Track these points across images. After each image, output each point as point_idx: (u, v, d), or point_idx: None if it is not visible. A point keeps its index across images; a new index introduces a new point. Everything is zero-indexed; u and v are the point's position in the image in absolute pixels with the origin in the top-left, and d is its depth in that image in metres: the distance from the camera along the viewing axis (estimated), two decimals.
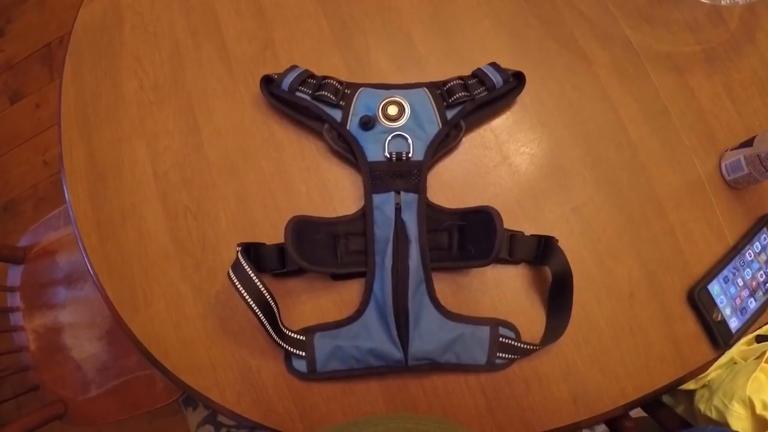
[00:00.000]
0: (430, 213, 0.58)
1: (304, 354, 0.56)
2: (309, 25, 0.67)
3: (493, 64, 0.61)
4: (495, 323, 0.57)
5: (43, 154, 1.57)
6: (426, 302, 0.56)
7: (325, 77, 0.61)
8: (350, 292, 0.59)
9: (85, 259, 0.63)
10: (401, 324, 0.54)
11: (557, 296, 0.57)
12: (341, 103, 0.60)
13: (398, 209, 0.58)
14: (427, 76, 0.64)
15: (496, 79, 0.60)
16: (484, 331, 0.56)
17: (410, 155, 0.59)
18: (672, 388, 0.58)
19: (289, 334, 0.56)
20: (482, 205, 0.56)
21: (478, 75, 0.61)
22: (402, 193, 0.58)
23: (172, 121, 0.65)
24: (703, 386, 0.60)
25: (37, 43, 1.65)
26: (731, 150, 0.62)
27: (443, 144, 0.60)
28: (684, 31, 0.67)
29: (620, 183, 0.61)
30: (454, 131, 0.61)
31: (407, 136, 0.59)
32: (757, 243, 0.61)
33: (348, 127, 0.60)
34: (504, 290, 0.59)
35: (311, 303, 0.59)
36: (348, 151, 0.60)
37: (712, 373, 0.59)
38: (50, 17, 1.68)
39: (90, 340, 0.98)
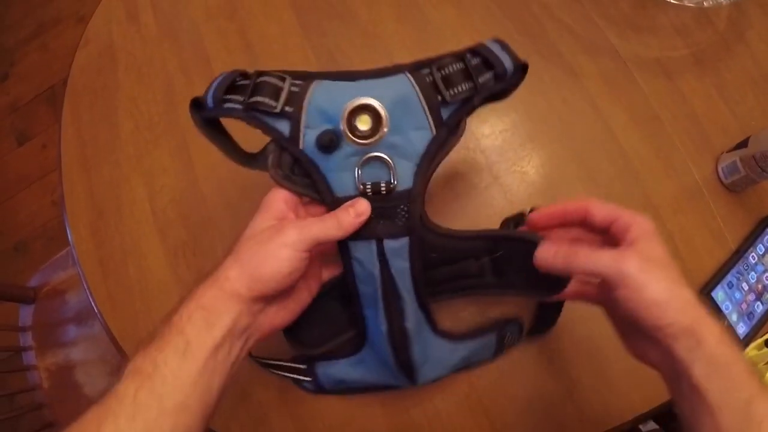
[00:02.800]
0: (443, 243, 0.44)
1: (310, 379, 0.52)
2: (296, 58, 0.68)
3: (500, 41, 0.41)
4: (501, 325, 0.53)
5: (51, 194, 1.60)
6: (430, 338, 0.47)
7: (261, 73, 0.40)
8: None
9: (89, 297, 0.64)
10: (404, 366, 0.47)
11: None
12: (287, 108, 0.39)
13: (383, 261, 0.43)
14: None
15: (507, 62, 0.40)
16: (491, 338, 0.53)
17: (393, 184, 0.40)
18: None
19: (285, 364, 0.51)
20: (516, 232, 0.45)
21: (482, 53, 0.40)
22: (386, 241, 0.42)
23: (168, 159, 0.66)
24: None
25: (41, 84, 1.70)
26: (727, 152, 0.61)
27: (438, 156, 0.42)
28: (671, 36, 0.67)
29: (615, 194, 0.61)
30: (450, 134, 0.42)
31: (387, 157, 0.40)
32: (761, 245, 0.60)
33: (301, 146, 0.40)
34: None
35: None
36: (306, 183, 0.42)
37: None
38: (52, 59, 1.72)
39: (102, 376, 0.99)
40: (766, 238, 0.60)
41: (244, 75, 0.41)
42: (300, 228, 0.39)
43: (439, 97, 0.40)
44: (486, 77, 0.40)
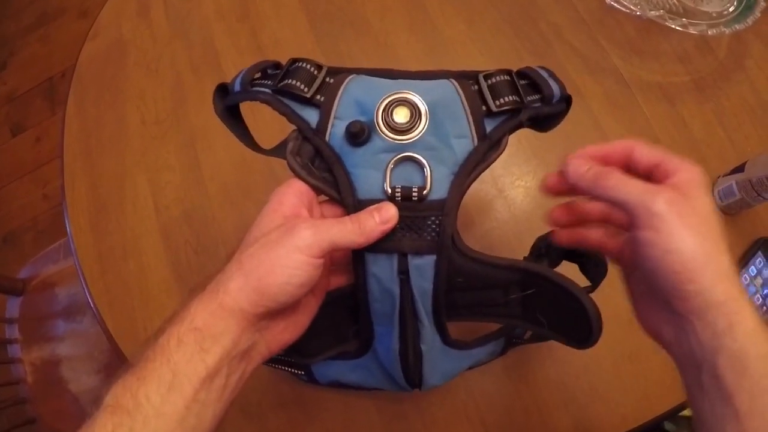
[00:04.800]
0: (472, 268, 0.38)
1: (303, 372, 0.49)
2: None
3: (547, 69, 0.39)
4: (510, 328, 0.48)
5: (43, 187, 1.58)
6: (441, 351, 0.43)
7: (296, 60, 0.38)
8: None
9: (86, 291, 0.64)
10: (411, 380, 0.44)
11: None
12: (318, 97, 0.36)
13: (404, 280, 0.37)
14: None
15: (555, 88, 0.38)
16: (500, 342, 0.49)
17: (427, 192, 0.35)
18: (673, 414, 0.57)
19: (279, 357, 0.44)
20: (556, 274, 0.38)
21: (530, 76, 0.38)
22: (410, 257, 0.36)
23: (174, 156, 0.66)
24: None
25: (39, 76, 1.68)
26: (723, 176, 0.63)
27: (476, 170, 0.37)
28: (673, 62, 0.69)
29: None
30: (491, 149, 0.37)
31: (423, 159, 0.35)
32: (753, 267, 0.61)
33: (327, 138, 0.37)
34: None
35: None
36: (325, 179, 0.37)
37: None
38: (53, 51, 1.71)
39: (88, 374, 0.97)
40: (758, 260, 0.61)
41: (277, 66, 0.39)
42: (315, 229, 0.32)
43: (484, 108, 0.37)
44: (533, 98, 0.37)
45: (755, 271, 0.61)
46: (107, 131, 0.69)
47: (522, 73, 0.38)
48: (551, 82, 0.38)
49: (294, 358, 0.44)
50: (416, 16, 0.70)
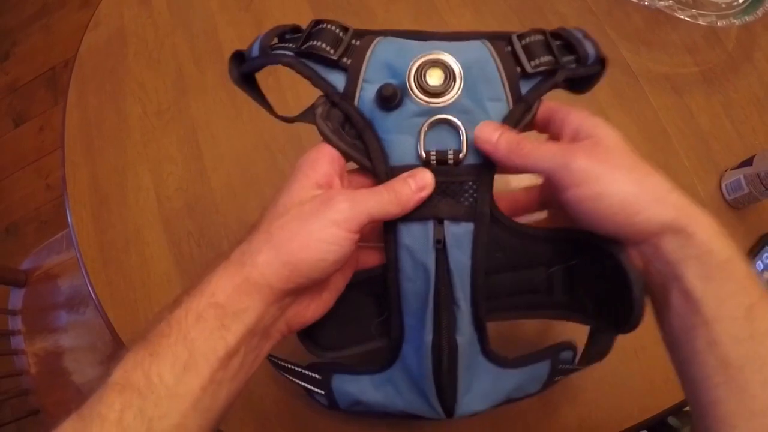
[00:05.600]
0: (512, 241, 0.36)
1: (323, 392, 0.43)
2: None
3: (582, 30, 0.37)
4: (556, 350, 0.42)
5: (46, 177, 1.58)
6: (478, 361, 0.38)
7: (319, 21, 0.35)
8: None
9: (87, 282, 0.63)
10: (444, 391, 0.37)
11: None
12: (345, 60, 0.34)
13: (440, 251, 0.35)
14: None
15: (590, 48, 0.36)
16: (545, 366, 0.42)
17: (463, 155, 0.34)
18: (678, 410, 0.57)
19: (298, 369, 0.42)
20: (592, 235, 0.32)
21: (564, 36, 0.36)
22: (447, 223, 0.34)
23: (176, 147, 0.66)
24: None
25: (41, 66, 1.68)
26: (731, 170, 0.62)
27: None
28: (682, 53, 0.68)
29: None
30: (526, 111, 0.36)
31: (458, 122, 0.34)
32: (760, 262, 0.61)
33: (356, 103, 0.35)
34: None
35: None
36: (356, 146, 0.35)
37: None
38: (55, 41, 1.71)
39: (91, 365, 0.97)
40: (765, 255, 0.61)
41: (296, 29, 0.37)
42: (353, 201, 0.30)
43: (519, 69, 0.35)
44: (568, 59, 0.35)
45: (762, 266, 0.60)
46: (108, 122, 0.69)
47: (556, 34, 0.36)
48: (586, 43, 0.36)
49: (309, 348, 0.39)
50: (421, 5, 0.69)
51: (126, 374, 0.27)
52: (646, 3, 0.63)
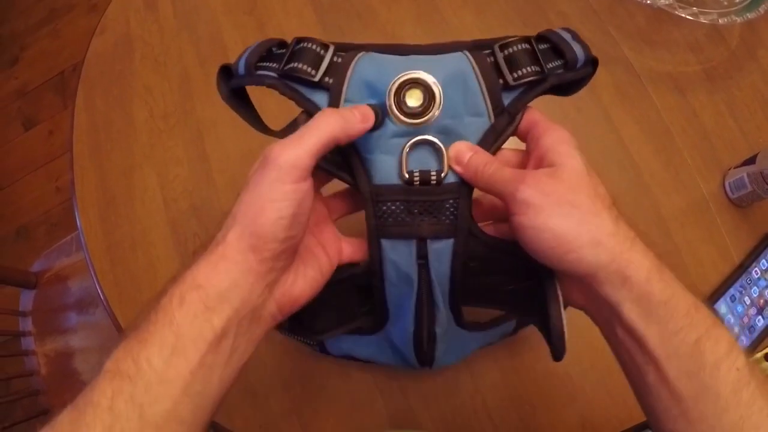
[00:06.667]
0: (482, 250, 0.37)
1: (313, 343, 0.49)
2: None
3: (570, 31, 0.37)
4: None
5: (56, 180, 1.60)
6: (454, 331, 0.43)
7: (301, 39, 0.36)
8: None
9: (96, 284, 0.64)
10: (423, 359, 0.44)
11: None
12: (327, 79, 0.35)
13: (422, 265, 0.37)
14: None
15: (579, 52, 0.35)
16: (511, 324, 0.49)
17: (444, 174, 0.35)
18: None
19: (291, 336, 0.47)
20: (545, 270, 0.34)
21: (552, 40, 0.35)
22: (430, 242, 0.36)
23: (182, 150, 0.67)
24: None
25: (50, 70, 1.70)
26: (734, 168, 0.62)
27: (493, 147, 0.36)
28: (684, 51, 0.68)
29: (624, 204, 0.60)
30: (510, 123, 0.36)
31: (440, 143, 0.35)
32: (764, 260, 0.60)
33: None
34: None
35: None
36: (340, 164, 0.37)
37: None
38: (63, 45, 1.72)
39: (101, 365, 0.98)
40: None
41: (282, 44, 0.37)
42: (284, 148, 0.30)
43: (501, 80, 0.35)
44: (555, 64, 0.35)
45: (766, 265, 0.60)
46: (116, 126, 0.70)
47: (542, 37, 0.36)
48: (575, 45, 0.35)
49: (302, 336, 0.43)
50: (423, 6, 0.70)
51: (117, 362, 0.27)
52: (648, 2, 0.63)
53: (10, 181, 1.62)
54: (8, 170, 1.63)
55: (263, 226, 0.29)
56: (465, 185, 0.35)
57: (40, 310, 1.03)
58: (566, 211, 0.29)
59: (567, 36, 0.36)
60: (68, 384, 0.99)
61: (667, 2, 0.63)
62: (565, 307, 0.34)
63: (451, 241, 0.36)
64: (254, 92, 0.40)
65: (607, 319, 0.30)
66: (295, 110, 0.37)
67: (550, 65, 0.34)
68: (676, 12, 0.62)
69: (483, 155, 0.34)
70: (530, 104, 0.36)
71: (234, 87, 0.38)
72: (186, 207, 0.65)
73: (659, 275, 0.29)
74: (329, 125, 0.31)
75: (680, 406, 0.27)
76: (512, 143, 0.36)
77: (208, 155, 0.66)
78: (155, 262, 0.63)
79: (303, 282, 0.34)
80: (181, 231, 0.64)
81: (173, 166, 0.66)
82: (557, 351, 0.34)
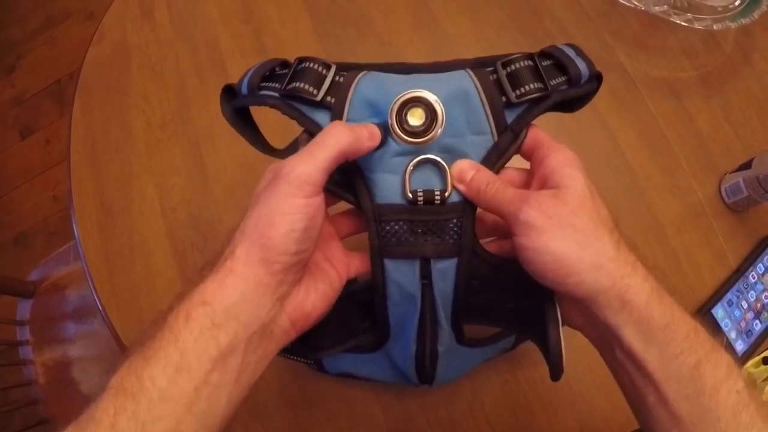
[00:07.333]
0: (485, 269, 0.37)
1: (311, 362, 0.48)
2: None
3: (574, 46, 0.37)
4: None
5: (53, 189, 1.59)
6: (455, 349, 0.43)
7: (303, 59, 0.36)
8: None
9: (94, 293, 0.64)
10: (424, 378, 0.44)
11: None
12: (329, 99, 0.35)
13: (426, 285, 0.37)
14: None
15: (582, 67, 0.35)
16: (510, 339, 0.49)
17: (448, 194, 0.34)
18: None
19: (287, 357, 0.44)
20: (545, 291, 0.33)
21: (555, 56, 0.35)
22: (433, 261, 0.36)
23: (179, 158, 0.67)
24: None
25: (47, 78, 1.69)
26: (730, 173, 0.62)
27: (497, 165, 0.36)
28: (679, 57, 0.68)
29: (621, 210, 0.62)
30: (513, 141, 0.35)
31: (443, 162, 0.34)
32: (761, 264, 0.61)
33: None
34: None
35: None
36: (341, 183, 0.36)
37: None
38: (60, 53, 1.72)
39: (99, 375, 0.98)
40: (766, 257, 0.61)
41: (285, 64, 0.37)
42: (296, 165, 0.30)
43: (504, 98, 0.34)
44: (558, 80, 0.35)
45: (763, 269, 0.61)
46: (113, 135, 0.70)
47: (545, 53, 0.36)
48: (578, 61, 0.35)
49: (299, 356, 0.43)
50: (420, 14, 0.70)
51: (120, 379, 0.27)
52: (643, 8, 0.63)
53: (7, 189, 1.62)
54: (5, 178, 1.62)
55: (274, 239, 0.29)
56: (469, 204, 0.35)
57: (38, 319, 1.03)
58: (568, 234, 0.29)
59: (570, 52, 0.36)
60: (66, 393, 0.98)
61: (661, 9, 0.63)
62: (563, 325, 0.34)
63: (454, 260, 0.36)
64: (256, 109, 0.40)
65: (607, 341, 0.30)
66: (295, 126, 0.37)
67: (553, 82, 0.34)
68: (671, 18, 0.63)
69: (486, 174, 0.34)
70: (533, 122, 0.35)
71: (237, 107, 0.38)
72: (184, 216, 0.64)
73: (659, 299, 0.29)
74: (340, 141, 0.31)
75: (680, 427, 0.28)
76: (516, 161, 0.36)
77: (206, 164, 0.66)
78: (153, 271, 0.63)
79: (315, 296, 0.34)
80: (179, 240, 0.64)
81: (171, 175, 0.66)
82: (555, 372, 0.34)
